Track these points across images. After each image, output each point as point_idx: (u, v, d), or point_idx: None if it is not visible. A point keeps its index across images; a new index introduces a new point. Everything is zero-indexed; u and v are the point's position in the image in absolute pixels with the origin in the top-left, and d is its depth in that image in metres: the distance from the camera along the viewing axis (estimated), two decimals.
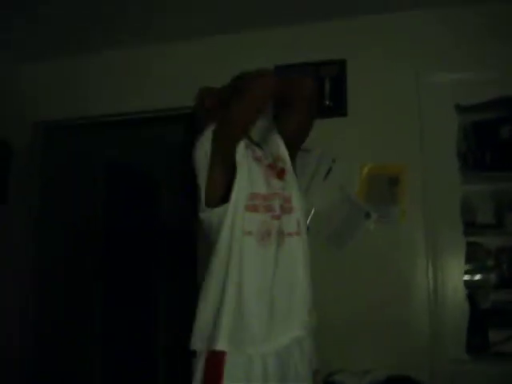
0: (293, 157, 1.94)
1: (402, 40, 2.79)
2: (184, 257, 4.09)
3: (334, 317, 2.57)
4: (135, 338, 4.59)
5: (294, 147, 1.96)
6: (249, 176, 1.70)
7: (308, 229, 1.88)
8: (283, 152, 1.90)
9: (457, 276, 2.61)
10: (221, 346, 1.60)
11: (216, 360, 1.59)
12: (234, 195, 1.66)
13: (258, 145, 1.91)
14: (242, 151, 1.72)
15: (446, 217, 2.63)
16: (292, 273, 1.73)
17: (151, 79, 3.17)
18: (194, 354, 1.68)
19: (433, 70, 2.72)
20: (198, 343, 1.66)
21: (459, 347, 2.54)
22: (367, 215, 2.66)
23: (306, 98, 1.87)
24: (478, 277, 2.70)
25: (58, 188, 3.64)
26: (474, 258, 2.70)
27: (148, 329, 4.86)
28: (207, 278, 1.69)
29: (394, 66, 2.77)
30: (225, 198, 1.67)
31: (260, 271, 1.66)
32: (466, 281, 2.62)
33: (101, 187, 4.24)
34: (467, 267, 2.64)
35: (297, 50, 2.89)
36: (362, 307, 2.61)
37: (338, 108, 2.77)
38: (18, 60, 3.38)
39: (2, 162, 3.27)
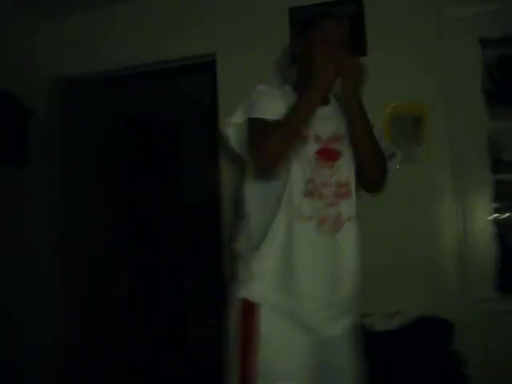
0: None
1: None
2: (208, 213, 4.07)
3: (361, 259, 2.55)
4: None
5: None
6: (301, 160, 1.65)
7: None
8: (343, 130, 1.76)
9: (484, 214, 2.58)
10: (257, 298, 1.61)
11: (251, 309, 1.60)
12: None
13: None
14: None
15: (473, 155, 2.58)
16: (344, 261, 1.69)
17: (164, 30, 3.10)
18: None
19: (455, 3, 2.61)
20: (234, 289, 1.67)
21: (488, 286, 2.53)
22: (392, 155, 2.60)
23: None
24: (505, 215, 2.64)
25: (79, 146, 3.62)
26: (502, 196, 2.64)
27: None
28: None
29: (413, 1, 2.67)
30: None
31: (313, 259, 1.63)
32: (493, 219, 2.58)
33: (122, 142, 4.23)
34: (495, 205, 2.59)
35: None
36: (389, 249, 2.60)
37: (357, 47, 2.66)
38: (32, 18, 3.32)
39: (21, 123, 3.22)
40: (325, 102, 1.75)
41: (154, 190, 4.58)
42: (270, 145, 1.54)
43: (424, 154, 2.60)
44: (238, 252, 1.73)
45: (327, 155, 1.70)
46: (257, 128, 1.61)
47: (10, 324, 3.01)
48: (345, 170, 1.73)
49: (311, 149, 1.67)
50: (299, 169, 1.63)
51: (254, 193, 1.72)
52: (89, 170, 3.72)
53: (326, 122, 1.73)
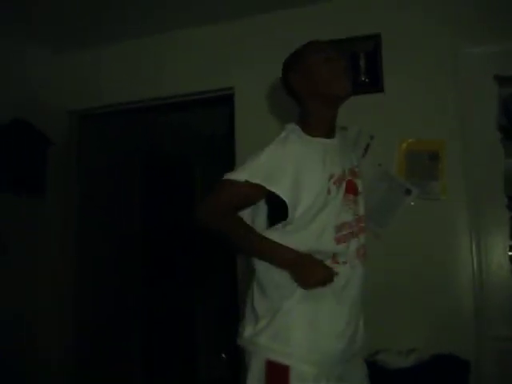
0: None
1: (439, 11, 2.70)
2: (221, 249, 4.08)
3: (377, 295, 2.53)
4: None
5: None
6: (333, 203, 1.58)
7: None
8: (356, 167, 1.76)
9: (501, 252, 2.55)
10: (287, 360, 1.52)
11: (280, 372, 1.51)
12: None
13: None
14: None
15: (489, 191, 2.57)
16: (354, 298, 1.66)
17: (184, 63, 3.16)
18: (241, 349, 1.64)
19: (471, 41, 2.64)
20: (251, 343, 1.60)
21: (504, 325, 2.49)
22: (407, 192, 2.61)
23: None
24: None
25: (96, 178, 3.66)
26: None
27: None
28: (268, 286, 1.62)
29: (430, 38, 2.70)
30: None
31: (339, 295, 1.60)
32: (510, 257, 2.55)
33: (138, 175, 4.28)
34: (511, 243, 2.57)
35: (330, 27, 2.82)
36: (405, 285, 2.58)
37: (375, 84, 2.71)
38: (51, 51, 3.41)
39: (40, 154, 3.27)
40: (332, 134, 1.70)
41: (167, 221, 4.59)
42: (217, 219, 1.58)
43: (440, 191, 2.59)
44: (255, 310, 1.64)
45: (353, 190, 1.66)
46: (240, 188, 1.55)
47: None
48: (362, 206, 1.72)
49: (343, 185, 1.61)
50: (331, 213, 1.57)
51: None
52: (104, 199, 3.75)
53: (341, 154, 1.69)
